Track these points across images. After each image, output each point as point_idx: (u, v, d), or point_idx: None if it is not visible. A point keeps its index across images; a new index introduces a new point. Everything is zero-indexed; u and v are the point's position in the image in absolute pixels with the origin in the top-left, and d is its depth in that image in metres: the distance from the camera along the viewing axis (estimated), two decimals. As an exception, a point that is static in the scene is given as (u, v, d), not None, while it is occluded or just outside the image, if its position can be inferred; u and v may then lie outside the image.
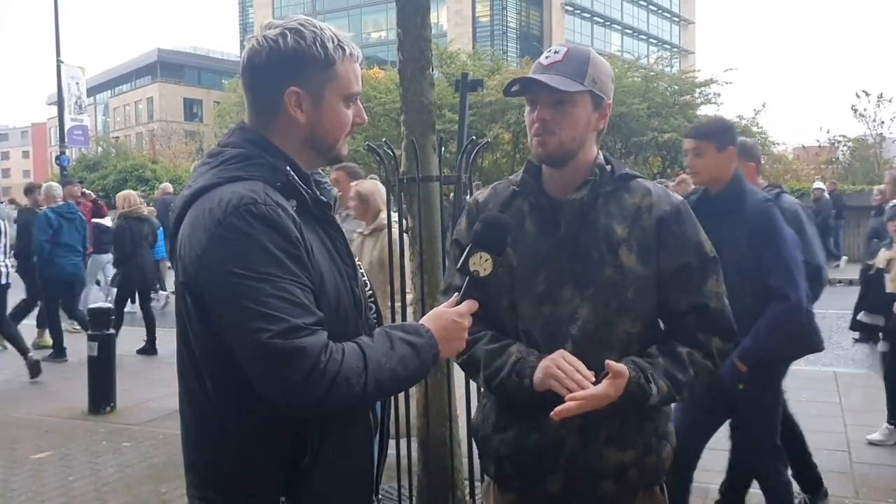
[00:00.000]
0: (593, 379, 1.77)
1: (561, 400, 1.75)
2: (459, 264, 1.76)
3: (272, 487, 1.55)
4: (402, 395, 3.63)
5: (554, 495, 1.92)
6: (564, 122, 1.87)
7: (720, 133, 3.39)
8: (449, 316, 1.67)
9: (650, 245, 1.87)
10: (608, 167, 1.95)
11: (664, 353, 1.88)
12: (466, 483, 3.81)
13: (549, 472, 1.91)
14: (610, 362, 1.77)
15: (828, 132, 28.51)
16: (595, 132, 1.95)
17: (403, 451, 3.73)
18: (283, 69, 1.57)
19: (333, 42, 1.59)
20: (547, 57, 1.91)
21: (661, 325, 1.98)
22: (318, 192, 1.64)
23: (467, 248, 1.76)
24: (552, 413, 1.74)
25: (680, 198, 1.97)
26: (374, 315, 1.79)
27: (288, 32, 1.57)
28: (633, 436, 1.90)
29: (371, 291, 1.81)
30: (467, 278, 1.74)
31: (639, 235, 1.87)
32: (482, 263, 1.74)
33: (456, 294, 1.74)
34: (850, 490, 4.45)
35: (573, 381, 1.76)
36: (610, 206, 1.91)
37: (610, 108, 1.95)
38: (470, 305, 1.70)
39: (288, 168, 1.58)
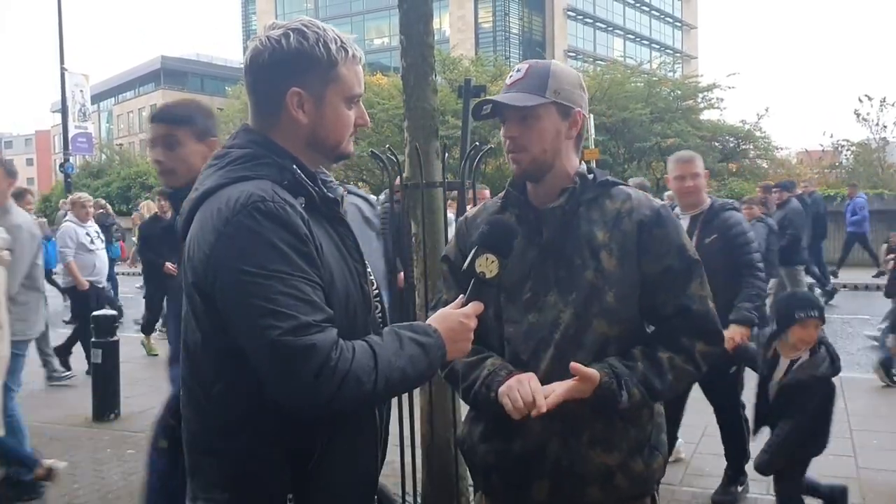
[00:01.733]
0: (543, 411, 1.77)
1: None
2: (465, 265, 1.76)
3: (279, 485, 1.55)
4: (406, 401, 3.63)
5: (541, 503, 1.92)
6: (532, 137, 1.91)
7: (197, 117, 2.65)
8: (456, 317, 1.67)
9: (630, 249, 1.89)
10: (590, 176, 1.97)
11: (645, 356, 1.89)
12: (472, 490, 3.80)
13: (535, 479, 1.91)
14: (577, 366, 1.80)
15: (831, 136, 28.58)
16: (570, 141, 1.97)
17: (408, 458, 3.72)
18: (286, 70, 1.58)
19: (336, 43, 1.60)
20: (511, 77, 1.97)
21: (648, 329, 2.00)
22: (325, 190, 1.64)
23: (473, 250, 1.77)
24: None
25: (660, 202, 1.99)
26: (380, 313, 1.79)
27: (291, 33, 1.57)
28: (618, 439, 1.90)
29: (377, 290, 1.80)
30: (472, 280, 1.74)
31: (619, 239, 1.90)
32: (488, 265, 1.74)
33: (462, 296, 1.74)
34: (856, 496, 4.43)
35: (522, 404, 1.77)
36: (592, 212, 1.93)
37: (581, 116, 1.97)
38: (476, 307, 1.70)
39: (294, 166, 1.58)
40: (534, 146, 1.91)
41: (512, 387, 1.80)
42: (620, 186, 1.99)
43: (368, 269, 1.73)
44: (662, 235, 1.91)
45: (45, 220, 13.12)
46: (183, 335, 1.60)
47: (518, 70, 1.96)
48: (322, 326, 1.43)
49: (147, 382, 7.52)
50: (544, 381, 1.84)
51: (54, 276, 11.28)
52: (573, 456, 1.88)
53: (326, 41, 1.58)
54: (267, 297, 1.40)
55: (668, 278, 1.90)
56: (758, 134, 26.22)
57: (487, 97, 1.94)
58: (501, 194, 2.09)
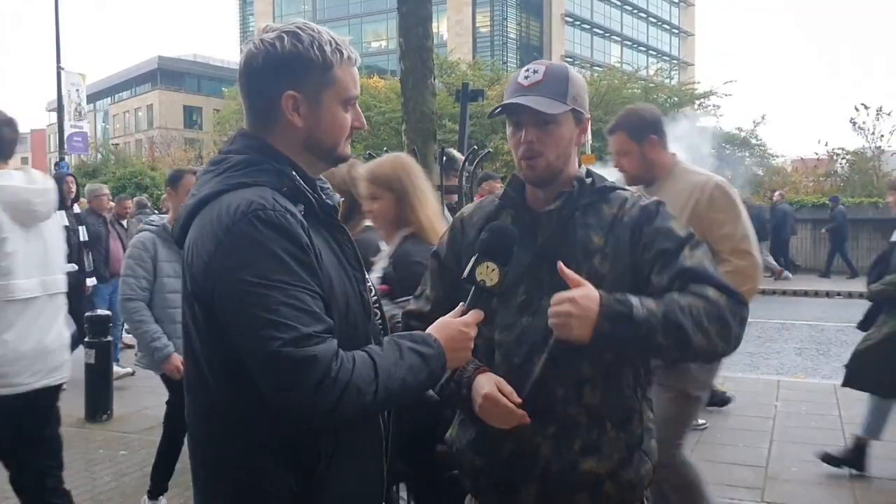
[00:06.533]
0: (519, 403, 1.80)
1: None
2: (465, 273, 1.75)
3: (285, 496, 1.53)
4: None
5: None
6: (550, 143, 1.88)
7: None
8: (455, 326, 1.66)
9: (624, 252, 1.86)
10: (588, 180, 1.95)
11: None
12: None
13: (525, 483, 1.89)
14: (564, 269, 1.76)
15: (826, 145, 28.63)
16: (576, 147, 1.96)
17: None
18: (281, 73, 1.56)
19: (331, 45, 1.58)
20: (527, 77, 1.90)
21: None
22: (323, 196, 1.63)
23: (474, 258, 1.75)
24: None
25: (653, 198, 1.94)
26: (379, 320, 1.78)
27: (285, 36, 1.56)
28: (609, 447, 1.87)
29: (376, 297, 1.79)
30: (473, 288, 1.73)
31: (613, 245, 1.87)
32: (489, 273, 1.73)
33: (462, 304, 1.73)
34: (849, 502, 4.44)
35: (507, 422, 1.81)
36: (588, 217, 1.90)
37: (589, 122, 1.98)
38: (476, 315, 1.70)
39: (294, 173, 1.56)
40: (550, 152, 1.88)
41: (488, 408, 1.81)
42: (618, 191, 1.96)
43: (367, 276, 1.72)
44: (652, 230, 1.85)
45: None
46: (185, 343, 1.59)
47: (535, 71, 1.90)
48: (323, 337, 1.42)
49: (140, 384, 7.50)
50: (538, 385, 1.83)
51: None
52: (563, 463, 1.86)
53: (321, 44, 1.57)
54: (268, 308, 1.39)
55: (664, 259, 1.82)
56: (754, 141, 26.33)
57: (512, 100, 1.87)
58: (498, 193, 2.06)
